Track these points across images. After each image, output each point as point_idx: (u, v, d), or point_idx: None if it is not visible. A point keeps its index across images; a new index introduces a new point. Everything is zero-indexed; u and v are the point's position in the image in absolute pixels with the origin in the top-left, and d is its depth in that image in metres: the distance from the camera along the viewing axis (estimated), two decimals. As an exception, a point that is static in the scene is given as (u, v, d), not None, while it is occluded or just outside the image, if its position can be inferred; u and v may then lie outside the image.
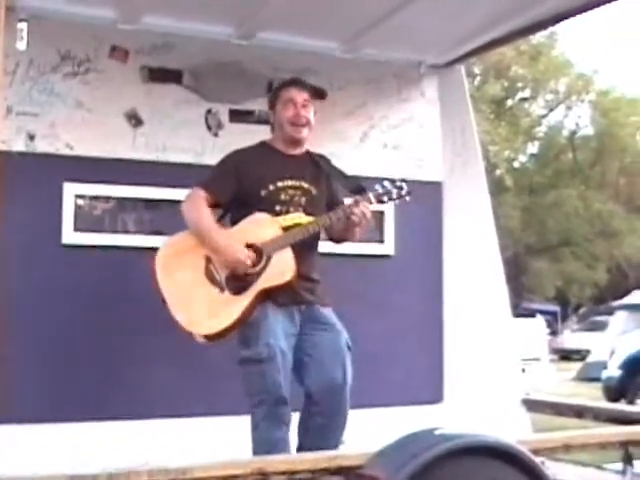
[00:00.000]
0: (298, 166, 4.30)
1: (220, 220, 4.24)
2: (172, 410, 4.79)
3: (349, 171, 4.46)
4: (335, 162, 4.47)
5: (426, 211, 5.43)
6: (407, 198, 4.33)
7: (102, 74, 4.90)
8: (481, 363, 5.52)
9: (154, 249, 4.78)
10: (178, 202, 4.91)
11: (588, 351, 19.18)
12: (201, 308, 4.06)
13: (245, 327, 4.03)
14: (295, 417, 4.12)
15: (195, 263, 4.10)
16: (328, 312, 4.25)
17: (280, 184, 4.20)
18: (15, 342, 4.42)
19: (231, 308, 4.02)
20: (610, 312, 20.15)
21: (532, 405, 5.31)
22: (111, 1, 4.79)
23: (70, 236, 4.79)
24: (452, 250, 5.67)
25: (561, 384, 16.11)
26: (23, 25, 4.40)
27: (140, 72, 5.00)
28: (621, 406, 8.19)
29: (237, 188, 4.19)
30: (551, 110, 37.66)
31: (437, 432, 2.87)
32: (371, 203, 4.22)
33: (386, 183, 4.28)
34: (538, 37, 32.48)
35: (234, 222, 4.24)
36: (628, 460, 3.68)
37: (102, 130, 4.89)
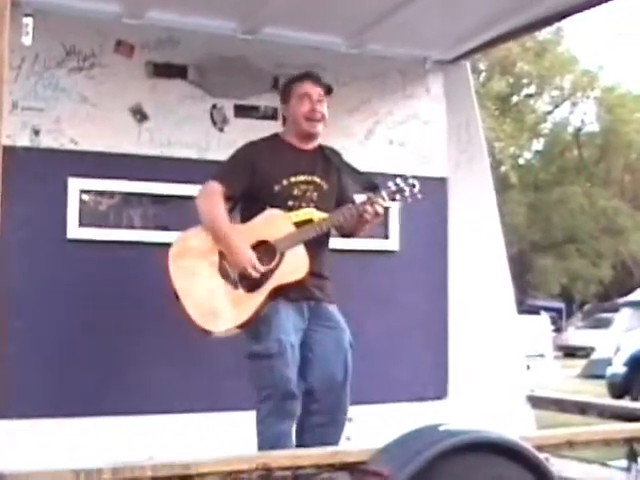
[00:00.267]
0: (310, 161, 4.29)
1: (230, 212, 4.22)
2: (177, 405, 4.79)
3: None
4: (341, 158, 4.46)
5: (431, 207, 5.40)
6: (419, 196, 4.33)
7: (107, 69, 4.90)
8: (486, 359, 5.52)
9: (159, 244, 4.79)
10: (183, 197, 4.95)
11: (593, 348, 19.18)
12: (214, 304, 4.05)
13: (256, 321, 4.03)
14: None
15: (209, 259, 4.10)
16: (334, 309, 4.26)
17: (293, 179, 4.20)
18: (19, 337, 4.43)
19: (245, 305, 4.02)
20: (615, 309, 20.19)
21: (537, 402, 5.31)
22: (116, -4, 4.80)
23: (75, 231, 4.79)
24: (457, 246, 5.67)
25: (565, 381, 16.10)
26: (28, 20, 4.39)
27: (145, 67, 5.00)
28: (626, 403, 8.18)
29: (250, 181, 4.18)
30: (556, 106, 37.64)
31: (441, 428, 2.87)
32: (384, 201, 4.22)
33: (398, 180, 4.27)
34: (544, 33, 32.51)
35: (245, 216, 4.24)
36: (633, 457, 3.67)
37: (107, 125, 4.88)
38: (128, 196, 4.98)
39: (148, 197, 5.02)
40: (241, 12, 5.01)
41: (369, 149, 5.46)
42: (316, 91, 4.28)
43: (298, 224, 4.13)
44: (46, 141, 4.75)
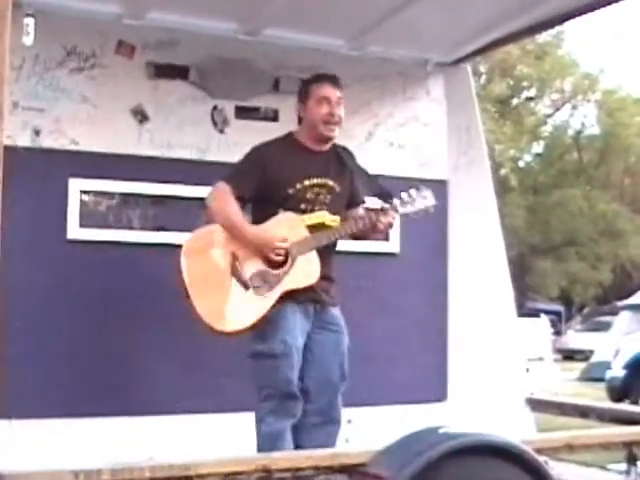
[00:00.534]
0: (324, 163, 4.29)
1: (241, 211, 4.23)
2: (176, 406, 4.79)
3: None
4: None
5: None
6: (432, 209, 4.35)
7: (108, 70, 4.90)
8: (485, 362, 5.52)
9: (159, 245, 4.80)
10: (183, 198, 4.95)
11: (592, 351, 19.18)
12: (224, 304, 4.05)
13: (263, 322, 4.04)
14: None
15: (221, 259, 4.10)
16: (337, 312, 4.29)
17: (307, 182, 4.20)
18: (19, 337, 4.42)
19: (254, 307, 4.03)
20: (614, 312, 20.16)
21: (536, 405, 5.30)
22: (117, -3, 4.80)
23: (75, 232, 4.79)
24: (457, 249, 5.67)
25: (565, 384, 16.10)
26: (29, 20, 4.38)
27: (146, 68, 5.00)
28: (625, 406, 8.17)
29: (262, 183, 4.17)
30: (556, 109, 37.64)
31: (441, 431, 2.87)
32: (397, 213, 4.23)
33: (412, 192, 4.28)
34: (544, 36, 32.48)
35: (257, 217, 4.24)
36: (632, 460, 3.67)
37: (108, 126, 4.88)
38: (128, 197, 4.98)
39: (148, 198, 5.02)
40: (242, 13, 5.01)
41: (369, 151, 5.45)
42: (335, 94, 4.26)
43: (311, 228, 4.15)
44: (47, 141, 4.75)
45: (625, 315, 17.75)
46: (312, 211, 4.19)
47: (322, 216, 4.21)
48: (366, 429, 4.52)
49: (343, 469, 2.94)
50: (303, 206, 4.18)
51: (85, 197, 4.86)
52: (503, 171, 31.86)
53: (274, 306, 4.04)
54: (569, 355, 25.84)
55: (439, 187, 5.57)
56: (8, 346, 3.99)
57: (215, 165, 5.02)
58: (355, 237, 4.38)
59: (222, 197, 4.15)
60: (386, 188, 4.31)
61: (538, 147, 38.23)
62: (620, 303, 20.33)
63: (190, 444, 4.60)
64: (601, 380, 13.82)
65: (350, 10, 4.91)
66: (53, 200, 4.76)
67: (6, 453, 3.51)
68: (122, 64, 4.94)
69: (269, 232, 4.09)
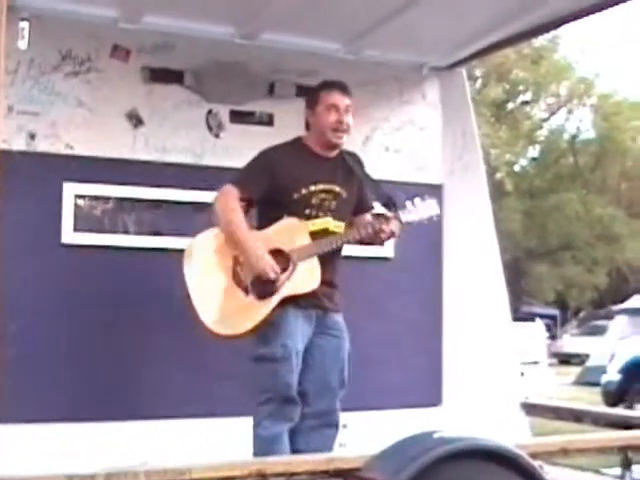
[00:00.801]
0: (331, 169, 4.30)
1: (246, 213, 4.22)
2: (171, 411, 4.78)
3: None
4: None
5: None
6: (435, 218, 4.37)
7: (103, 74, 4.89)
8: (480, 366, 5.51)
9: (154, 250, 4.80)
10: (178, 203, 4.95)
11: (587, 355, 19.19)
12: (224, 308, 4.07)
13: (265, 326, 4.05)
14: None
15: (223, 263, 4.11)
16: (339, 318, 4.31)
17: (312, 188, 4.21)
18: (13, 341, 4.42)
19: (254, 312, 4.04)
20: (610, 316, 20.16)
21: (531, 409, 5.30)
22: (113, 0, 4.78)
23: (69, 236, 4.78)
24: (452, 253, 5.67)
25: (560, 388, 16.11)
26: (24, 24, 4.38)
27: (141, 72, 4.99)
28: (620, 411, 8.17)
29: (268, 187, 4.18)
30: (552, 114, 37.68)
31: (436, 435, 2.87)
32: (401, 222, 4.24)
33: (417, 201, 4.29)
34: (540, 40, 32.56)
35: (262, 220, 4.25)
36: (627, 465, 3.66)
37: (103, 130, 4.88)
38: (123, 201, 4.97)
39: (143, 202, 5.01)
40: (238, 17, 5.00)
41: (366, 155, 5.43)
42: (344, 102, 4.27)
43: (314, 234, 4.15)
44: (42, 145, 4.75)
45: (621, 319, 17.74)
46: (317, 217, 4.20)
47: (326, 222, 4.22)
48: (361, 433, 4.51)
49: (338, 474, 2.93)
50: (308, 211, 4.19)
51: (80, 201, 4.86)
52: (499, 175, 31.88)
53: (275, 311, 4.04)
54: (564, 359, 25.86)
55: (434, 191, 5.54)
56: (2, 350, 3.98)
57: (210, 169, 5.02)
58: (360, 242, 4.39)
59: (226, 201, 4.15)
60: (391, 196, 4.31)
61: (534, 151, 38.31)
62: (616, 307, 20.32)
63: (185, 449, 4.60)
64: (597, 384, 13.81)
65: (346, 14, 4.91)
66: (48, 204, 4.75)
67: (1, 457, 3.50)
68: (117, 68, 4.93)
69: (265, 256, 4.06)
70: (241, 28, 5.11)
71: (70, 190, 4.79)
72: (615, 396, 12.61)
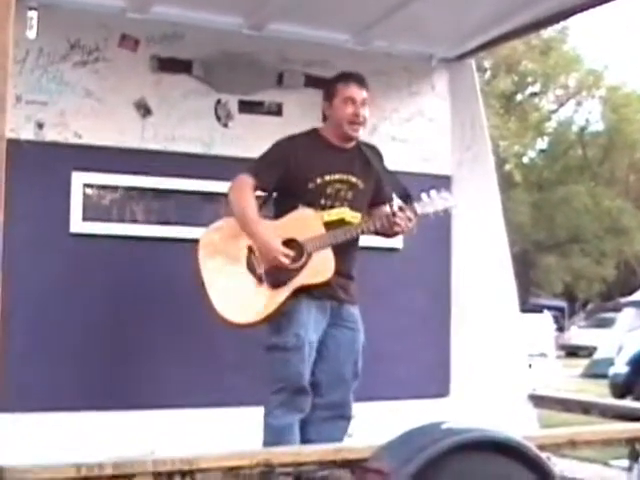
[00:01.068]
0: (348, 160, 4.30)
1: (264, 203, 4.25)
2: (180, 400, 4.79)
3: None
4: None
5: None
6: (452, 211, 4.38)
7: (111, 63, 4.89)
8: (488, 358, 5.51)
9: (162, 239, 4.80)
10: (187, 192, 4.95)
11: (595, 348, 19.16)
12: (238, 297, 4.08)
13: (279, 315, 4.07)
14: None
15: (237, 252, 4.12)
16: (355, 310, 4.31)
17: (328, 177, 4.21)
18: (21, 331, 4.42)
19: (267, 301, 4.06)
20: (618, 309, 20.14)
21: (539, 401, 5.30)
22: (121, -10, 4.79)
23: (78, 225, 4.79)
24: (460, 244, 5.66)
25: (568, 380, 16.08)
26: (33, 14, 4.39)
27: (150, 62, 4.99)
28: (628, 403, 8.16)
29: (284, 176, 4.19)
30: (561, 105, 37.60)
31: (443, 426, 2.86)
32: (416, 214, 4.23)
33: (432, 193, 4.29)
34: (549, 31, 32.54)
35: (278, 210, 4.26)
36: (634, 457, 3.66)
37: (111, 119, 4.88)
38: (131, 190, 4.98)
39: (151, 192, 5.02)
40: (247, 7, 5.00)
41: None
42: (361, 94, 4.27)
43: (329, 224, 4.15)
44: (50, 135, 4.75)
45: (629, 311, 17.72)
46: (332, 207, 4.20)
47: (342, 213, 4.22)
48: (369, 424, 4.51)
49: (345, 464, 2.94)
50: (323, 202, 4.19)
51: (88, 190, 4.86)
52: (507, 167, 31.85)
53: (289, 300, 4.06)
54: (572, 351, 25.79)
55: (443, 182, 5.54)
56: (11, 339, 3.99)
57: (218, 159, 5.02)
58: (376, 234, 4.39)
59: (240, 190, 4.17)
60: (407, 190, 4.31)
61: (542, 143, 38.25)
62: (624, 299, 20.30)
63: (193, 438, 4.60)
64: (604, 376, 13.78)
65: (355, 5, 4.91)
66: (56, 194, 4.75)
67: (8, 447, 3.51)
68: (126, 58, 4.93)
69: (276, 237, 4.08)
70: (249, 18, 5.10)
71: (79, 179, 4.80)
72: (623, 388, 12.58)
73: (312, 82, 5.21)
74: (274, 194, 4.30)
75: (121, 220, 4.93)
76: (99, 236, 4.82)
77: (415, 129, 5.64)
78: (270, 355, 4.12)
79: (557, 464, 3.52)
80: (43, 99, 4.74)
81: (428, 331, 5.52)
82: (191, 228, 4.69)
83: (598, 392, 11.90)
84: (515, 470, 2.83)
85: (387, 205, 4.38)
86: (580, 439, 3.59)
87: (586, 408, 4.78)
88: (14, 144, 3.94)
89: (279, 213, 4.24)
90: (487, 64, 33.08)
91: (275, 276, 4.06)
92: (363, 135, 4.41)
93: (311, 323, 4.11)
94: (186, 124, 5.04)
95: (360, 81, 4.30)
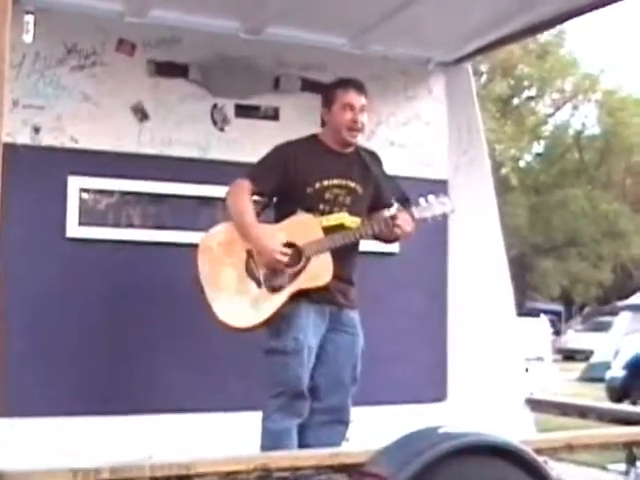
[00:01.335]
0: (347, 165, 4.30)
1: (264, 209, 4.26)
2: (177, 405, 4.78)
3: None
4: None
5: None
6: (450, 215, 4.40)
7: (108, 67, 4.89)
8: (485, 362, 5.51)
9: (159, 243, 4.80)
10: (183, 197, 4.95)
11: (592, 351, 19.16)
12: (237, 301, 4.09)
13: (278, 319, 4.07)
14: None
15: (236, 256, 4.13)
16: (355, 315, 4.32)
17: (326, 182, 4.21)
18: (18, 335, 4.41)
19: (266, 305, 4.06)
20: (614, 312, 20.16)
21: (536, 405, 5.30)
22: (118, -6, 4.79)
23: (74, 230, 4.78)
24: (457, 248, 5.66)
25: (564, 384, 16.09)
26: (29, 18, 4.38)
27: (147, 66, 4.99)
28: (625, 407, 8.17)
29: (283, 181, 4.20)
30: (557, 109, 37.63)
31: (440, 431, 2.86)
32: (414, 218, 4.24)
33: (430, 198, 4.29)
34: (546, 35, 32.49)
35: (278, 215, 4.27)
36: (632, 461, 3.67)
37: (108, 124, 4.88)
38: (128, 195, 4.97)
39: (148, 196, 5.01)
40: (244, 12, 5.00)
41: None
42: (359, 101, 4.27)
43: (328, 229, 4.15)
44: (46, 139, 4.75)
45: (625, 315, 17.75)
46: (331, 212, 4.20)
47: (341, 218, 4.22)
48: (366, 429, 4.51)
49: (343, 468, 2.94)
50: (321, 207, 4.19)
51: (85, 195, 4.86)
52: (504, 170, 31.84)
53: (288, 304, 4.06)
54: (569, 355, 25.83)
55: (439, 186, 5.56)
56: (7, 344, 3.98)
57: (215, 163, 5.02)
58: (375, 239, 4.40)
59: (237, 194, 4.18)
60: (405, 194, 4.32)
61: (539, 147, 38.25)
62: (620, 303, 20.34)
63: (190, 443, 4.59)
64: (601, 380, 13.80)
65: (352, 9, 4.91)
66: (52, 198, 4.75)
67: (5, 451, 3.50)
68: (123, 62, 4.93)
69: (274, 237, 4.09)
70: (246, 22, 5.11)
71: (75, 184, 4.79)
72: (619, 392, 12.61)
73: (309, 86, 5.21)
74: (274, 199, 4.30)
75: (117, 225, 4.93)
76: (95, 241, 4.81)
77: (412, 133, 5.64)
78: (269, 359, 4.12)
79: (554, 468, 3.51)
80: (40, 103, 4.73)
81: (425, 335, 5.52)
82: (188, 232, 4.70)
83: (595, 396, 11.90)
84: (512, 474, 2.83)
85: (387, 210, 4.38)
86: (577, 443, 3.59)
87: (583, 412, 4.78)
88: (10, 148, 3.93)
89: (278, 218, 4.25)
90: (483, 68, 33.11)
91: (274, 280, 4.07)
92: (360, 139, 4.42)
93: (310, 327, 4.11)
94: (183, 128, 5.04)
95: (359, 87, 4.30)
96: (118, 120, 4.91)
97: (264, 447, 3.98)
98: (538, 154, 38.22)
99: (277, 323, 4.07)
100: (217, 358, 4.82)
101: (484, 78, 33.92)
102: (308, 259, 4.09)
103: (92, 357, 4.72)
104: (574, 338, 27.73)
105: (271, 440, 4.00)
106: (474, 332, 5.57)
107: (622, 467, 3.77)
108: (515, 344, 5.65)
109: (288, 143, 4.31)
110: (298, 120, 5.03)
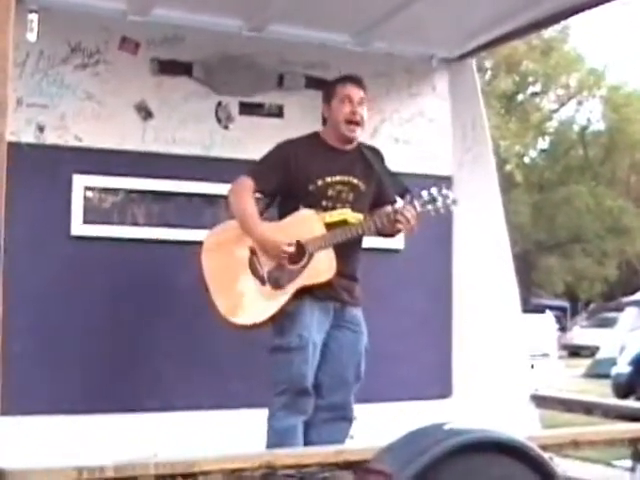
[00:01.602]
0: (349, 162, 4.31)
1: (267, 208, 4.28)
2: (182, 403, 4.79)
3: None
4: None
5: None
6: (452, 207, 4.38)
7: (112, 66, 4.89)
8: (490, 358, 5.50)
9: (163, 241, 4.80)
10: (187, 194, 4.95)
11: (597, 347, 19.17)
12: (241, 298, 4.11)
13: (282, 317, 4.08)
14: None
15: (240, 254, 4.15)
16: (358, 312, 4.32)
17: (328, 179, 4.22)
18: (22, 333, 4.41)
19: (270, 302, 4.08)
20: (620, 308, 20.16)
21: (541, 401, 5.29)
22: (122, -7, 4.79)
23: (79, 228, 4.79)
24: (462, 245, 5.65)
25: (570, 380, 16.07)
26: (33, 16, 4.38)
27: (150, 64, 4.99)
28: (630, 403, 8.16)
29: (285, 179, 4.21)
30: (562, 105, 37.58)
31: (446, 427, 2.86)
32: (416, 210, 4.23)
33: (433, 190, 4.30)
34: (550, 31, 32.49)
35: (281, 212, 4.28)
36: (637, 457, 3.66)
37: (112, 122, 4.88)
38: (132, 193, 4.98)
39: (152, 194, 5.02)
40: (247, 10, 5.00)
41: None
42: (358, 93, 4.29)
43: (330, 225, 4.16)
44: (51, 138, 4.75)
45: (631, 311, 17.75)
46: (334, 208, 4.20)
47: (344, 214, 4.22)
48: (371, 426, 4.50)
49: (347, 466, 2.93)
50: (324, 203, 4.20)
51: (89, 193, 4.86)
52: (508, 167, 31.80)
53: (291, 301, 4.07)
54: (574, 351, 25.78)
55: (444, 183, 5.55)
56: (11, 342, 3.98)
57: (219, 161, 5.02)
58: (379, 234, 4.39)
59: (240, 192, 4.20)
60: (407, 188, 4.33)
61: (543, 143, 38.24)
62: (626, 299, 20.33)
63: (195, 441, 4.60)
64: (607, 376, 13.79)
65: (355, 6, 4.90)
66: (57, 196, 4.76)
67: (8, 450, 3.50)
68: (126, 60, 4.93)
69: (277, 234, 4.10)
70: (250, 20, 5.10)
71: (79, 182, 4.80)
72: (625, 388, 12.59)
73: (313, 84, 5.21)
74: (277, 197, 4.30)
75: (122, 223, 4.93)
76: (100, 239, 4.82)
77: (416, 130, 5.63)
78: (273, 356, 4.13)
79: (560, 464, 3.51)
80: (44, 102, 4.74)
81: (430, 332, 5.51)
82: (192, 230, 4.70)
83: (600, 392, 11.89)
84: (518, 471, 2.82)
85: (389, 207, 4.38)
86: (583, 439, 3.58)
87: (589, 408, 4.77)
88: (15, 147, 3.94)
89: (282, 215, 4.26)
90: (488, 64, 33.07)
91: (277, 277, 4.08)
92: (364, 136, 4.42)
93: (314, 324, 4.11)
94: (187, 126, 5.04)
95: (357, 81, 4.32)
96: (122, 118, 4.91)
97: (270, 445, 3.99)
98: (543, 150, 38.22)
99: (281, 320, 4.08)
100: (222, 356, 4.82)
101: (488, 74, 33.89)
102: (311, 255, 4.09)
103: (96, 355, 4.72)
104: (580, 334, 27.72)
105: (276, 438, 4.01)
106: (479, 328, 5.56)
107: (628, 463, 3.76)
108: (520, 340, 5.64)
109: (289, 141, 4.31)
110: (302, 118, 5.02)
